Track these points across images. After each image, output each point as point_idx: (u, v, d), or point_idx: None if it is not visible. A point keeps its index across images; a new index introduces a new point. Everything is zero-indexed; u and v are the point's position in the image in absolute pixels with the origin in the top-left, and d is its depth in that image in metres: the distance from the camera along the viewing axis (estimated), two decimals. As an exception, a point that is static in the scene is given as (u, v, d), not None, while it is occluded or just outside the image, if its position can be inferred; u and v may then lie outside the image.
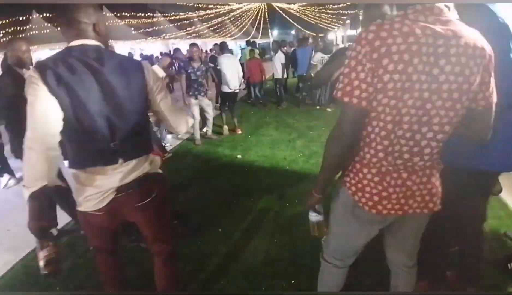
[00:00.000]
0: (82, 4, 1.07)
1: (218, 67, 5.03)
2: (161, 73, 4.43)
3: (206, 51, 16.10)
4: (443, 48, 0.79)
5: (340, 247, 1.18)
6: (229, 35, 22.47)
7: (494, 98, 0.92)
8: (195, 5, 13.41)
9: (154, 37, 14.25)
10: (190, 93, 4.45)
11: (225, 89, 4.87)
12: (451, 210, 1.36)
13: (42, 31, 10.68)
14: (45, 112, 1.00)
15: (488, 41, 0.86)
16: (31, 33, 10.97)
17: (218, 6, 14.62)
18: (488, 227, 2.26)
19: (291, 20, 23.12)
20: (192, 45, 4.65)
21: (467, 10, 1.10)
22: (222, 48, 5.05)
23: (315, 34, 15.64)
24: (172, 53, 5.16)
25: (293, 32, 33.64)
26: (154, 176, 1.28)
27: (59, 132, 1.04)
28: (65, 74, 1.00)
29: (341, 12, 15.61)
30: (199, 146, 4.62)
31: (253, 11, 21.91)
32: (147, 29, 13.88)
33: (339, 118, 0.90)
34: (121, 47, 13.43)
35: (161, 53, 5.03)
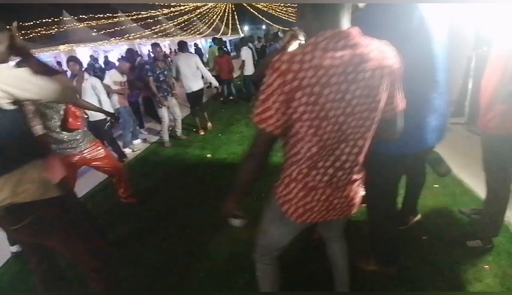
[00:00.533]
0: None
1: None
2: (118, 78, 4.27)
3: (175, 50, 15.69)
4: (352, 75, 0.84)
5: (268, 244, 1.28)
6: (198, 32, 22.05)
7: (401, 106, 1.01)
8: (161, 3, 12.93)
9: (117, 38, 13.64)
10: (161, 95, 4.31)
11: (187, 89, 4.73)
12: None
13: None
14: None
15: (402, 43, 0.95)
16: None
17: (182, 4, 14.24)
18: (443, 204, 2.39)
19: (259, 15, 23.08)
20: (155, 45, 4.48)
21: (384, 14, 1.14)
22: (181, 47, 4.79)
23: (288, 29, 15.57)
24: (124, 56, 4.76)
25: (264, 26, 33.66)
26: (24, 205, 1.12)
27: None
28: None
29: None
30: (169, 149, 4.50)
31: (220, 7, 21.62)
32: (108, 30, 13.24)
33: (254, 139, 0.95)
34: (81, 51, 12.78)
35: (119, 58, 4.66)
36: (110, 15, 12.27)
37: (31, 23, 10.26)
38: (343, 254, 1.45)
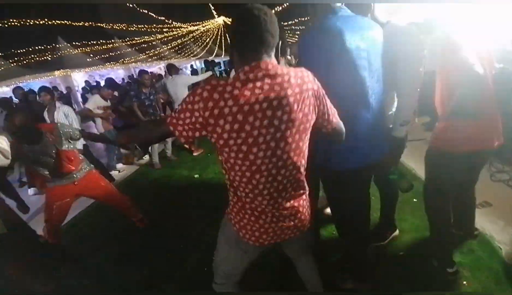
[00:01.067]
0: None
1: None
2: (101, 103, 4.35)
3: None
4: (275, 101, 0.89)
5: (227, 269, 1.28)
6: (192, 55, 22.58)
7: (335, 120, 1.08)
8: (154, 29, 13.28)
9: (112, 62, 13.92)
10: (147, 119, 4.37)
11: None
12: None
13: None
14: None
15: (328, 68, 1.12)
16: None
17: (174, 29, 14.66)
18: (421, 219, 2.36)
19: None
20: (143, 72, 4.58)
21: (310, 43, 1.24)
22: (169, 70, 4.94)
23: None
24: (106, 83, 4.91)
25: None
26: None
27: None
28: None
29: (293, 27, 16.30)
30: (158, 170, 4.51)
31: (213, 30, 22.29)
32: (104, 55, 13.53)
33: (161, 124, 0.99)
34: (77, 76, 13.00)
35: (106, 83, 4.82)
36: (104, 41, 12.58)
37: (25, 50, 10.48)
38: (312, 273, 1.43)
